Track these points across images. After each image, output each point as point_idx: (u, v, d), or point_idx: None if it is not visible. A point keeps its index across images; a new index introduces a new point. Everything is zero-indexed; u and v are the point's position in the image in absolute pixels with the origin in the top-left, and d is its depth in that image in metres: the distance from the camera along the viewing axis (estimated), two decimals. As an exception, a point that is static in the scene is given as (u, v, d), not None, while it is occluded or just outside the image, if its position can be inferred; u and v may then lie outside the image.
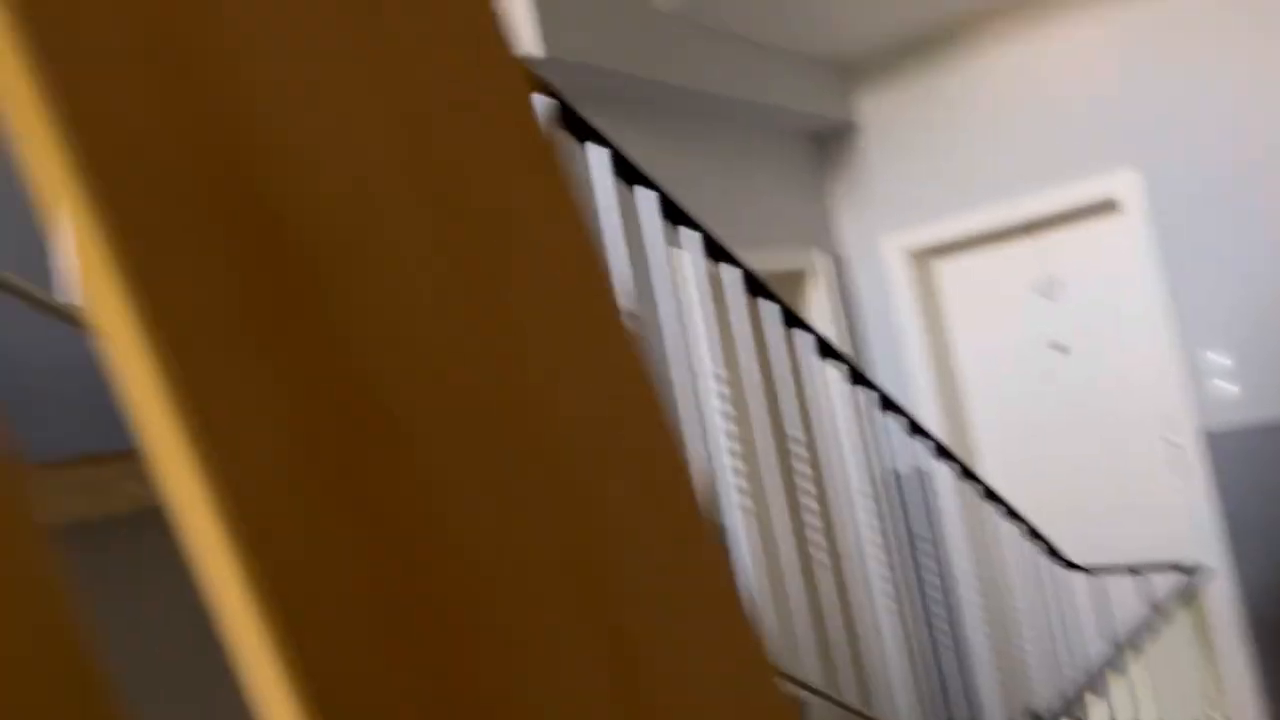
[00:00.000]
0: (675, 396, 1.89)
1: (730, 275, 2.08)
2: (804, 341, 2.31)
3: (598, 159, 1.73)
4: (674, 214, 1.91)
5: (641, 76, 3.13)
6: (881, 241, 4.23)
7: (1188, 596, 2.82)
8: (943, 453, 2.75)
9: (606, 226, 1.74)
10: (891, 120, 4.19)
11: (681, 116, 3.58)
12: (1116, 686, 2.27)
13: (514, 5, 2.70)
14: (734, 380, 2.17)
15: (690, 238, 1.96)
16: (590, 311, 0.31)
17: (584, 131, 1.72)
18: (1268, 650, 3.59)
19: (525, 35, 2.68)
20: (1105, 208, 3.83)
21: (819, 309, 4.15)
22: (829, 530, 3.18)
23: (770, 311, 2.18)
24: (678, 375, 1.87)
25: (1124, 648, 2.41)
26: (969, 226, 4.04)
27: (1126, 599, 3.43)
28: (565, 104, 1.67)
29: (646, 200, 1.85)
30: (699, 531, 0.32)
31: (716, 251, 2.03)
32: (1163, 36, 3.62)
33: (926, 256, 4.24)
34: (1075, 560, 3.51)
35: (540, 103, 1.68)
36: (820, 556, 2.17)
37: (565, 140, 1.75)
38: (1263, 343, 3.52)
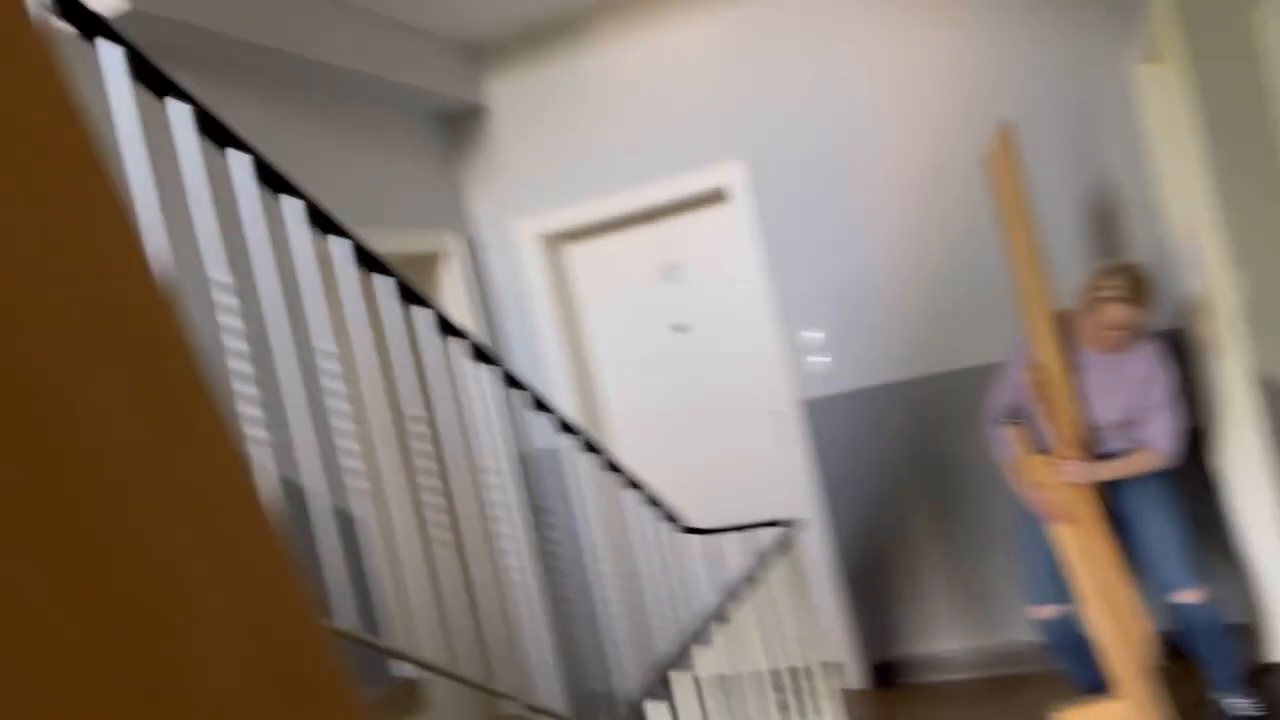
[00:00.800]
0: (281, 374, 1.83)
1: (341, 248, 2.04)
2: (425, 319, 2.32)
3: (179, 116, 1.64)
4: (274, 181, 1.85)
5: (250, 41, 2.98)
6: (514, 225, 4.33)
7: (786, 547, 3.16)
8: (567, 427, 2.88)
9: (191, 188, 1.65)
10: (522, 105, 4.29)
11: (300, 88, 3.45)
12: (721, 634, 2.50)
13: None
14: (346, 358, 2.14)
15: (293, 206, 1.90)
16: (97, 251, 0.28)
17: (164, 86, 1.62)
18: (856, 588, 4.11)
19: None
20: (717, 197, 4.16)
21: (453, 291, 4.18)
22: (453, 509, 3.22)
23: (386, 286, 2.17)
24: (281, 351, 1.82)
25: (730, 597, 2.66)
26: (596, 213, 4.24)
27: (737, 556, 3.77)
28: (140, 54, 1.56)
29: (241, 164, 1.77)
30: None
31: (324, 223, 1.99)
32: (767, 39, 3.99)
33: (557, 241, 4.40)
34: (694, 524, 3.80)
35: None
36: (443, 535, 2.19)
37: (144, 94, 1.64)
38: (850, 322, 4.00)
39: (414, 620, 2.47)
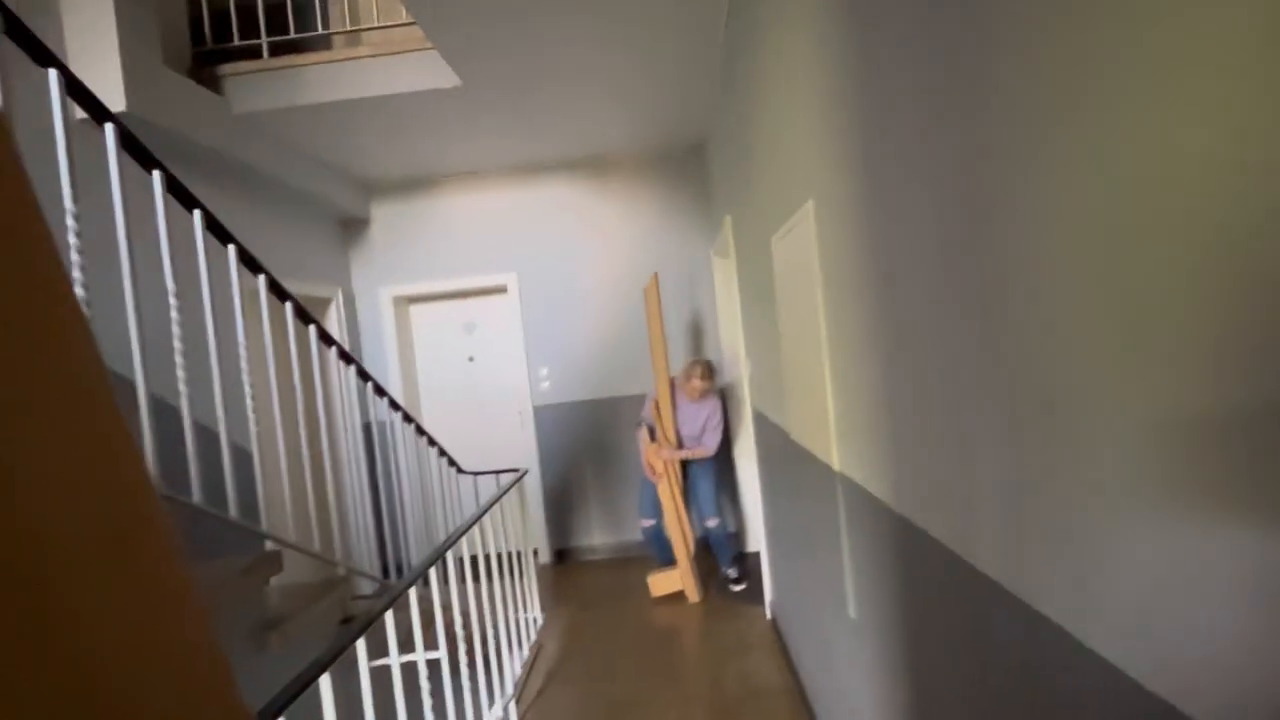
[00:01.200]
0: (212, 362, 1.61)
1: (261, 282, 1.84)
2: (311, 333, 2.13)
3: (157, 180, 1.43)
4: (218, 231, 1.65)
5: (215, 148, 2.62)
6: (379, 289, 4.04)
7: (517, 483, 3.13)
8: (395, 406, 2.71)
9: (162, 234, 1.44)
10: (390, 220, 4.04)
11: (252, 186, 3.05)
12: (476, 531, 2.43)
13: (107, 63, 2.09)
14: (257, 351, 1.90)
15: (230, 251, 1.70)
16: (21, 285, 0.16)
17: (149, 160, 1.42)
18: (552, 506, 4.12)
19: (113, 92, 2.08)
20: (500, 289, 4.09)
21: (337, 323, 3.81)
22: (334, 450, 2.92)
23: (288, 308, 1.98)
24: (221, 359, 1.61)
25: (483, 512, 2.59)
26: (429, 289, 4.05)
27: (491, 487, 3.68)
28: (125, 128, 1.35)
29: (197, 219, 1.57)
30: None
31: (251, 264, 1.79)
32: (532, 204, 4.00)
33: (404, 301, 4.15)
34: (468, 468, 3.67)
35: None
36: (310, 463, 2.00)
37: (131, 165, 1.41)
38: (564, 366, 4.05)
39: (282, 514, 2.21)
